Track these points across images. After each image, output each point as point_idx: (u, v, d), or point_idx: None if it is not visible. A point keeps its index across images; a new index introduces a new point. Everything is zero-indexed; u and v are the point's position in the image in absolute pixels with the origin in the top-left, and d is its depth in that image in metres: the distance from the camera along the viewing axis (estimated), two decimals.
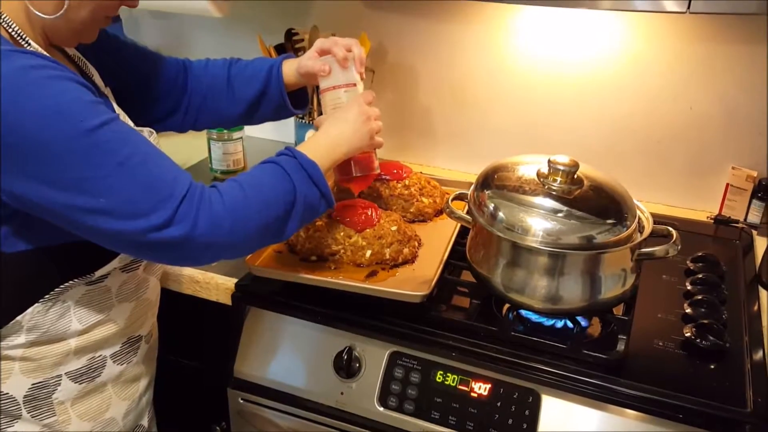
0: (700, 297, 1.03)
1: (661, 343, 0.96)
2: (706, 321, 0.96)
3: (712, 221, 1.33)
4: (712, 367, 0.92)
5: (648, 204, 1.35)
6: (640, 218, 0.98)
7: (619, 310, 1.02)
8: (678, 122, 1.33)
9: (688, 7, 0.91)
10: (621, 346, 0.94)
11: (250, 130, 1.69)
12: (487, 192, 0.98)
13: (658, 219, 0.99)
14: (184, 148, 1.62)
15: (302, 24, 1.49)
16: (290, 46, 1.47)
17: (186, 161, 1.57)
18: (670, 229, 0.96)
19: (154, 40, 1.72)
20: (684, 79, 1.30)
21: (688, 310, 1.01)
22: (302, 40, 1.47)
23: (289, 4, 1.56)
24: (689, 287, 1.08)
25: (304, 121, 1.47)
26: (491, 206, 0.96)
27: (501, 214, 0.95)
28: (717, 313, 1.00)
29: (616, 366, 0.91)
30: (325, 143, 0.94)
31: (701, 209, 1.38)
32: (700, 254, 1.17)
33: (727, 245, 1.26)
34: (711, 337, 0.94)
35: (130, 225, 0.74)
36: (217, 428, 1.16)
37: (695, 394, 0.86)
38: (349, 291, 0.99)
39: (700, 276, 1.09)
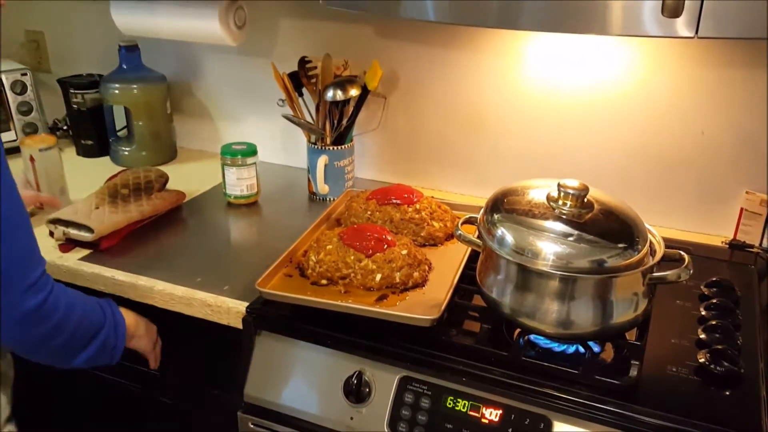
0: (714, 322, 1.02)
1: (674, 369, 0.95)
2: (720, 346, 0.95)
3: (727, 246, 1.32)
4: (727, 393, 0.91)
5: (661, 229, 1.34)
6: (651, 242, 0.97)
7: (632, 335, 1.01)
8: (690, 147, 1.33)
9: (696, 32, 0.91)
10: (634, 372, 0.92)
11: (263, 156, 1.71)
12: (496, 216, 0.98)
13: (671, 243, 0.99)
14: (196, 175, 1.64)
15: (315, 52, 1.51)
16: (303, 73, 1.49)
17: (200, 187, 1.58)
18: (682, 253, 0.95)
19: (171, 66, 1.76)
20: (695, 103, 1.30)
21: (702, 336, 1.00)
22: (315, 67, 1.49)
23: (302, 33, 1.58)
24: (703, 312, 1.06)
25: (316, 146, 1.49)
26: (501, 230, 0.96)
27: (510, 238, 0.95)
28: (731, 339, 0.98)
29: (629, 392, 0.90)
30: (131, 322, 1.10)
31: (715, 234, 1.37)
32: (714, 279, 1.15)
33: (743, 270, 1.24)
34: (725, 363, 0.92)
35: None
36: None
37: (709, 420, 0.85)
38: (358, 315, 0.99)
39: (715, 301, 1.08)
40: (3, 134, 1.74)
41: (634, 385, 0.91)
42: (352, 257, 1.07)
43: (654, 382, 0.93)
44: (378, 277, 1.05)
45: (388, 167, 1.62)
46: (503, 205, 0.99)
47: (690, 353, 0.97)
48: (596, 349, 0.98)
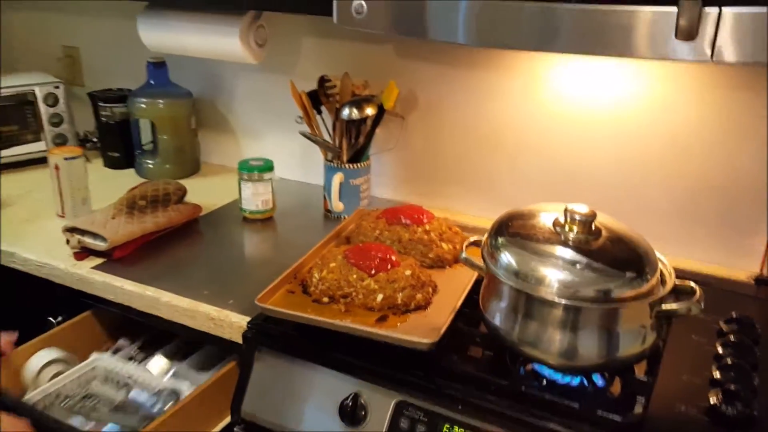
0: (729, 361, 0.96)
1: (683, 408, 0.90)
2: (733, 386, 0.90)
3: (753, 282, 1.26)
4: None
5: (683, 260, 1.30)
6: (662, 273, 0.93)
7: (641, 370, 0.96)
8: (715, 175, 1.28)
9: (712, 56, 0.87)
10: (638, 409, 0.88)
11: (280, 172, 1.72)
12: (500, 239, 0.95)
13: (691, 275, 0.95)
14: (216, 189, 1.66)
15: (336, 70, 1.52)
16: (323, 92, 1.49)
17: (218, 201, 1.59)
18: (694, 285, 0.90)
19: (197, 83, 1.78)
20: (721, 130, 1.25)
21: (716, 374, 0.95)
22: (334, 86, 1.50)
23: (323, 51, 1.59)
24: (720, 350, 1.01)
25: (332, 164, 1.48)
26: (504, 254, 0.93)
27: (513, 263, 0.92)
28: (747, 379, 0.93)
29: (632, 429, 0.85)
30: None
31: (742, 268, 1.31)
32: (734, 315, 1.10)
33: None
34: (738, 405, 0.87)
35: None
36: None
37: None
38: (355, 335, 0.97)
39: (732, 338, 1.02)
40: (34, 144, 1.79)
41: (639, 422, 0.86)
42: (355, 276, 1.05)
43: (660, 420, 0.88)
44: (379, 297, 1.03)
45: (405, 187, 1.61)
46: (508, 229, 0.97)
47: (701, 392, 0.92)
48: (601, 382, 0.94)
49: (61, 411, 1.14)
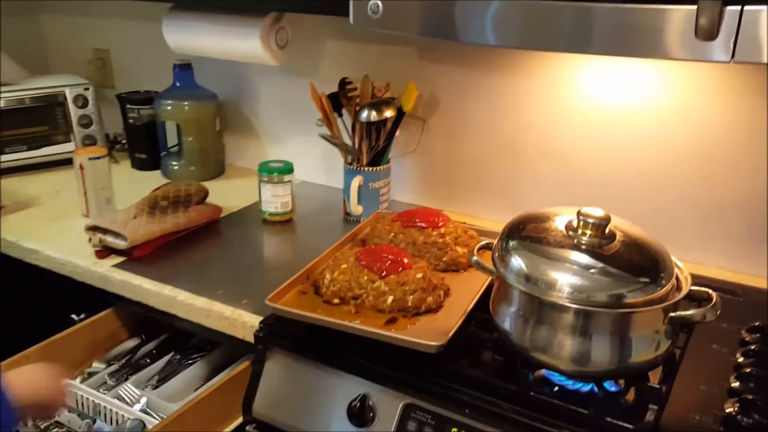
0: (749, 370, 0.93)
1: (698, 417, 0.87)
2: (751, 396, 0.87)
3: None
4: None
5: (708, 268, 1.27)
6: (678, 278, 0.91)
7: (656, 378, 0.94)
8: (743, 183, 1.24)
9: (732, 56, 0.85)
10: (650, 417, 0.86)
11: (306, 175, 1.73)
12: (511, 243, 0.94)
13: (716, 285, 0.92)
14: (239, 191, 1.67)
15: (359, 73, 1.52)
16: (343, 94, 1.49)
17: (240, 203, 1.61)
18: (711, 292, 0.88)
19: (222, 86, 1.81)
20: (753, 137, 1.21)
21: (735, 384, 0.92)
22: (355, 88, 1.50)
23: (346, 54, 1.60)
24: (740, 359, 0.98)
25: (352, 167, 1.49)
26: (514, 258, 0.92)
27: (524, 267, 0.91)
28: (767, 390, 0.90)
29: None
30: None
31: None
32: (757, 324, 1.06)
33: None
34: (755, 415, 0.84)
35: None
36: None
37: None
38: (363, 336, 0.97)
39: (754, 348, 0.99)
40: (63, 145, 1.83)
41: (650, 430, 0.84)
42: (366, 277, 1.05)
43: (673, 429, 0.86)
44: (390, 299, 1.03)
45: (426, 191, 1.60)
46: (520, 232, 0.95)
47: (719, 402, 0.89)
48: (613, 389, 0.92)
49: None
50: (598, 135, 1.35)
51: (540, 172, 1.44)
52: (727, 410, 0.87)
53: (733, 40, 0.84)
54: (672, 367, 0.95)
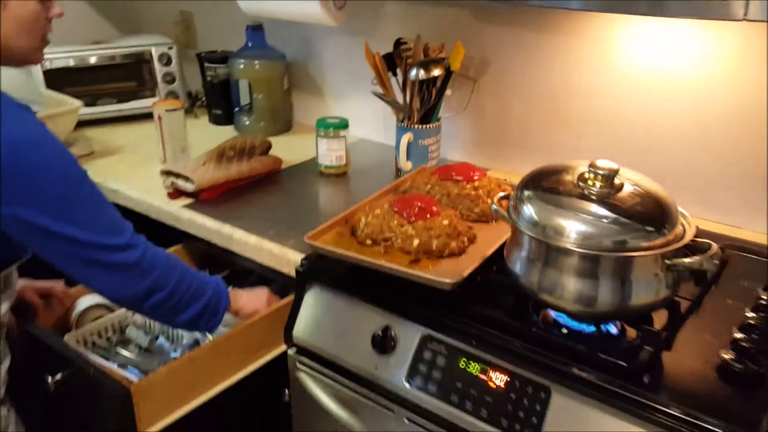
0: (753, 322, 0.96)
1: (694, 363, 0.92)
2: (748, 345, 0.91)
3: None
4: (742, 392, 0.87)
5: (746, 231, 1.28)
6: (684, 228, 0.95)
7: (660, 325, 0.99)
8: None
9: (745, 14, 0.87)
10: (644, 356, 0.91)
11: (362, 132, 1.83)
12: (526, 192, 1.00)
13: (746, 245, 0.96)
14: (302, 147, 1.78)
15: (414, 34, 1.59)
16: (397, 54, 1.57)
17: (301, 157, 1.73)
18: (712, 243, 0.91)
19: (292, 46, 1.92)
20: None
21: (738, 335, 0.95)
22: (410, 49, 1.57)
23: (403, 15, 1.67)
24: (749, 314, 1.01)
25: (403, 124, 1.57)
26: (526, 206, 0.99)
27: (533, 214, 0.97)
28: (766, 342, 0.93)
29: (634, 375, 0.89)
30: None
31: None
32: None
33: None
34: (748, 362, 0.88)
35: (100, 240, 0.98)
36: (287, 392, 1.27)
37: (708, 413, 0.82)
38: (388, 273, 1.07)
39: (765, 303, 1.01)
40: (149, 100, 2.01)
41: (642, 369, 0.89)
42: (395, 222, 1.14)
43: (666, 370, 0.91)
44: (416, 242, 1.11)
45: (476, 150, 1.66)
46: (535, 183, 1.01)
47: (718, 350, 0.93)
48: (613, 330, 0.98)
49: (96, 350, 1.30)
50: (643, 98, 1.37)
51: (585, 133, 1.47)
52: (723, 356, 0.91)
53: None
54: (678, 315, 0.99)
